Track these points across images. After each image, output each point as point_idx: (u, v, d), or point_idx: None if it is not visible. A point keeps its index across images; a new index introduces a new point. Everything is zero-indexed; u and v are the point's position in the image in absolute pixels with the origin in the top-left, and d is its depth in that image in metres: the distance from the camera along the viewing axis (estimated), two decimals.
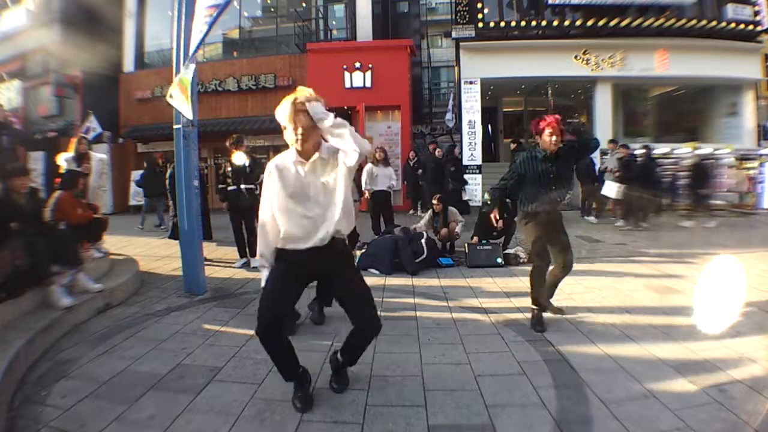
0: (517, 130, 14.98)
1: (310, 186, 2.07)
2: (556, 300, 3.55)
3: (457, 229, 5.86)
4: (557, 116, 3.24)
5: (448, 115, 13.93)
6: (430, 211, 6.13)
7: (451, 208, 6.13)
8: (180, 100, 3.94)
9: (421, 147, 12.07)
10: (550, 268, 3.38)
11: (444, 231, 5.84)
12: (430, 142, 10.82)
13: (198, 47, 3.88)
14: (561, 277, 3.40)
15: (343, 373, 2.38)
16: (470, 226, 6.04)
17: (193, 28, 3.96)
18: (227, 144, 5.34)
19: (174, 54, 4.35)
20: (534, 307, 3.31)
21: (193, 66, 3.92)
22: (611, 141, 9.39)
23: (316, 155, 2.07)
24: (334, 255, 2.11)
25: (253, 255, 5.31)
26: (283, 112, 2.03)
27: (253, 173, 5.27)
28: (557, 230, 3.37)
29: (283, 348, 2.13)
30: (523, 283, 4.46)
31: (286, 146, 2.17)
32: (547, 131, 3.17)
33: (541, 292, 3.32)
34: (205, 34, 3.86)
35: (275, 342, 2.08)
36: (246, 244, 5.42)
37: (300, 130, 2.00)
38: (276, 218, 2.11)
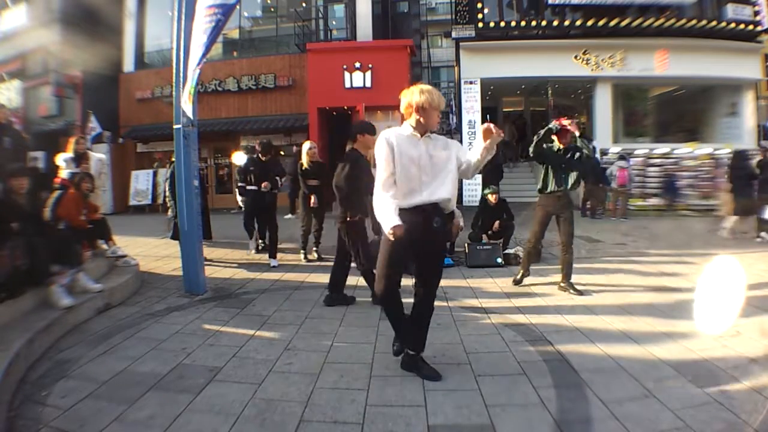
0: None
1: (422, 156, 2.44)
2: (559, 300, 3.58)
3: (460, 223, 5.84)
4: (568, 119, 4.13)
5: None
6: None
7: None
8: (184, 102, 3.96)
9: None
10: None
11: None
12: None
13: (204, 55, 3.86)
14: (567, 259, 4.15)
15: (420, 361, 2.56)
16: (469, 227, 6.03)
17: (193, 28, 3.96)
18: (256, 146, 5.55)
19: (174, 54, 4.35)
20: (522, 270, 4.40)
21: (198, 72, 3.92)
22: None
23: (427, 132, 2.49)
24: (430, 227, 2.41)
25: (273, 255, 5.41)
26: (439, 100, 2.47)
27: (270, 173, 5.40)
28: (564, 220, 4.15)
29: (400, 306, 2.52)
30: (523, 282, 4.48)
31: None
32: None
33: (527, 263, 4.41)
34: (212, 42, 3.85)
35: (394, 300, 2.49)
36: (261, 239, 5.71)
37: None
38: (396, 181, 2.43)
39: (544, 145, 4.19)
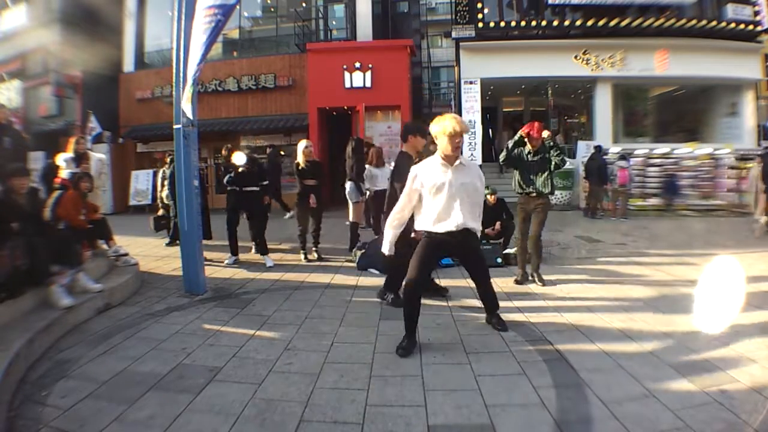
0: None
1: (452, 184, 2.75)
2: (558, 300, 3.61)
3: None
4: (538, 123, 4.36)
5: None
6: None
7: None
8: (184, 103, 3.96)
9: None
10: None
11: None
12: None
13: (204, 55, 3.86)
14: (526, 245, 4.44)
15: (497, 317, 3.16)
16: None
17: (193, 28, 3.95)
18: (304, 148, 5.57)
19: (174, 54, 4.35)
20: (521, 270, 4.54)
21: (198, 72, 3.92)
22: None
23: (458, 161, 2.79)
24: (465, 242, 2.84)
25: (265, 253, 5.45)
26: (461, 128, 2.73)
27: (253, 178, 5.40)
28: (535, 216, 4.38)
29: (418, 307, 2.84)
30: (526, 280, 4.48)
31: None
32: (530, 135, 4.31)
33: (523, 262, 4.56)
34: (212, 42, 3.85)
35: (417, 300, 2.81)
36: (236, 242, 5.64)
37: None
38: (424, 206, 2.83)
39: (515, 151, 4.45)
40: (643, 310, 3.56)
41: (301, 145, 5.64)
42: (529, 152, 4.39)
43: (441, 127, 2.71)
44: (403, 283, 2.88)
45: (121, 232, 6.09)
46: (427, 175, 2.74)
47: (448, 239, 2.77)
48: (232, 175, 5.38)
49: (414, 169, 2.81)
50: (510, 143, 4.50)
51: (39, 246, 3.23)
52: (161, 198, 7.26)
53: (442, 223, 2.72)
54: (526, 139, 4.40)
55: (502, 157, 4.53)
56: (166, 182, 6.90)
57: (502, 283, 4.57)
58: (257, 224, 5.42)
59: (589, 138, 12.50)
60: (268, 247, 5.51)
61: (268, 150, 10.29)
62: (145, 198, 12.40)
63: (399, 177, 3.51)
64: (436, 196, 2.72)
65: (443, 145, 2.74)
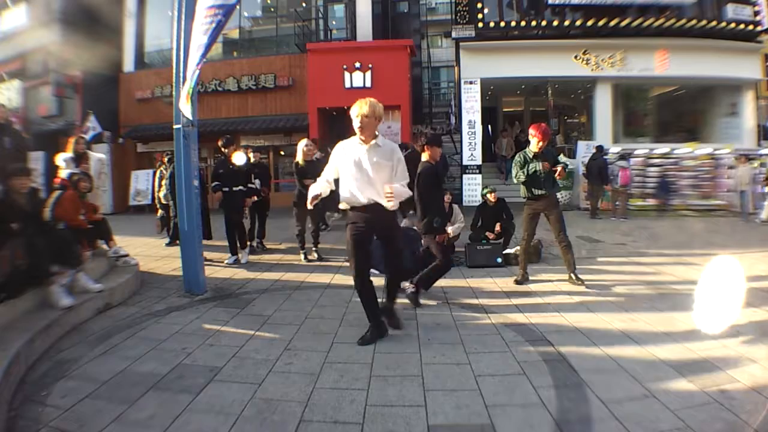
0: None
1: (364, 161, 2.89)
2: (559, 300, 3.64)
3: (450, 231, 5.85)
4: (542, 125, 4.44)
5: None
6: None
7: (456, 207, 6.14)
8: (182, 103, 3.95)
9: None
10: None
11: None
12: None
13: (204, 55, 3.86)
14: (568, 253, 4.39)
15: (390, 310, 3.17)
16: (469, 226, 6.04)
17: (193, 28, 3.95)
18: (304, 146, 5.63)
19: (174, 54, 4.35)
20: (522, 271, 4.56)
21: (198, 72, 3.91)
22: None
23: (373, 141, 2.92)
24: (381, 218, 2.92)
25: (243, 248, 5.60)
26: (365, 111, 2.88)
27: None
28: (552, 217, 4.41)
29: (373, 292, 3.00)
30: (526, 281, 4.48)
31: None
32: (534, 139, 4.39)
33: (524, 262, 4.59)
34: (212, 42, 3.84)
35: (365, 286, 2.97)
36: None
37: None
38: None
39: (528, 167, 4.41)
40: (643, 310, 3.57)
41: (302, 143, 5.64)
42: (535, 154, 4.39)
43: (352, 108, 2.92)
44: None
45: (121, 232, 6.09)
46: (346, 153, 2.93)
47: (365, 215, 2.89)
48: (219, 179, 5.52)
49: (337, 146, 3.02)
50: (518, 161, 4.48)
51: (39, 246, 3.22)
52: (159, 198, 7.27)
53: (356, 197, 2.88)
54: (529, 149, 4.45)
55: (519, 178, 4.47)
56: (164, 182, 6.90)
57: (502, 283, 4.58)
58: (257, 222, 5.50)
59: (588, 138, 12.49)
60: (268, 247, 5.53)
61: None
62: (145, 198, 12.40)
63: (422, 185, 3.82)
64: (352, 172, 2.88)
65: (355, 125, 2.92)
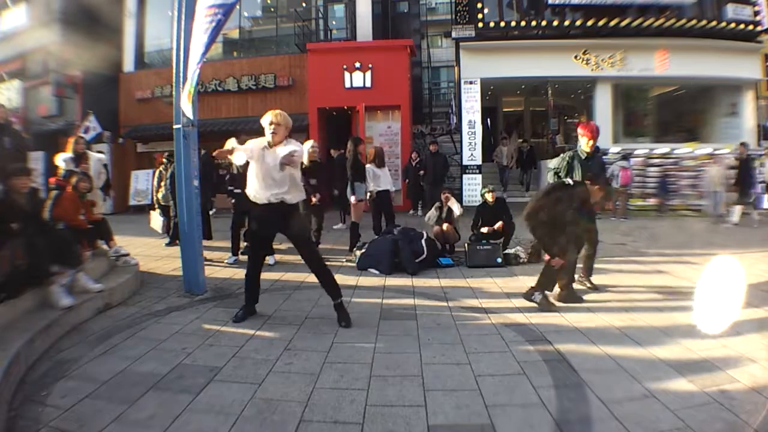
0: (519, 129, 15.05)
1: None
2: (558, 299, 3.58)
3: (455, 209, 5.90)
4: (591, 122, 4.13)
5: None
6: (437, 203, 6.15)
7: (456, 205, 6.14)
8: (184, 102, 3.95)
9: (422, 147, 12.09)
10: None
11: (437, 229, 5.85)
12: (431, 142, 10.85)
13: (204, 54, 3.85)
14: (591, 260, 4.25)
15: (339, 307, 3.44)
16: (468, 224, 6.04)
17: (193, 28, 3.95)
18: (309, 147, 5.66)
19: (174, 54, 4.34)
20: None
21: (198, 72, 3.91)
22: None
23: (278, 146, 3.21)
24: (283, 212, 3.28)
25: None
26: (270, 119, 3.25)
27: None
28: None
29: (256, 281, 3.48)
30: (523, 283, 4.48)
31: None
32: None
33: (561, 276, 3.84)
34: (212, 41, 3.84)
35: (251, 276, 3.44)
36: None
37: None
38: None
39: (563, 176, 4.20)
40: (643, 310, 3.56)
41: (307, 144, 5.69)
42: (587, 159, 4.17)
43: (264, 117, 3.26)
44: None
45: (121, 232, 6.09)
46: (255, 151, 3.24)
47: (266, 213, 3.27)
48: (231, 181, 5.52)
49: (251, 142, 3.30)
50: (563, 166, 4.24)
51: (39, 246, 3.22)
52: (157, 199, 7.27)
53: (259, 195, 3.23)
54: (580, 149, 4.26)
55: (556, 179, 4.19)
56: (162, 184, 6.90)
57: (502, 283, 4.57)
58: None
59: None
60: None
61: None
62: (145, 198, 12.39)
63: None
64: (255, 170, 3.22)
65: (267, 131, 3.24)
